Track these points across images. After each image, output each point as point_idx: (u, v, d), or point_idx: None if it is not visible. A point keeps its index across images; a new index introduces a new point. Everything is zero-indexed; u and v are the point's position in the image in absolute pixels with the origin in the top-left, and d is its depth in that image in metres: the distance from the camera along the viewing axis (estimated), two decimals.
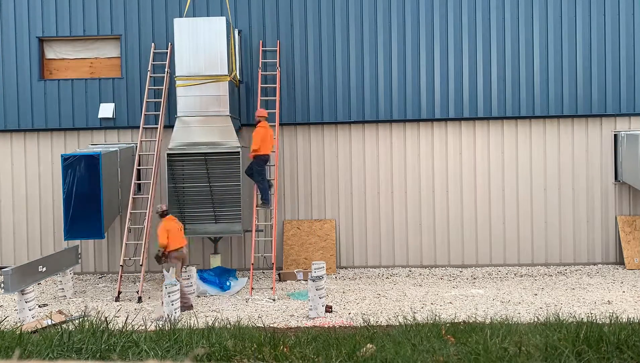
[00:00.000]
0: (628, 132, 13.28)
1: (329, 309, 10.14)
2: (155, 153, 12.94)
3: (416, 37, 13.75)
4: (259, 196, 12.42)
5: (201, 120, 12.51)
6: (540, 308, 10.12)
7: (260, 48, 13.69)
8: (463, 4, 13.71)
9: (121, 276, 12.04)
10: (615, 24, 13.63)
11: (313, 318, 9.80)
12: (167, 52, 13.61)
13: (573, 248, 13.69)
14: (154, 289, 12.36)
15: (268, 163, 12.48)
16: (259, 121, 12.33)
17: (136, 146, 13.31)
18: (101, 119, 13.90)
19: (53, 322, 8.84)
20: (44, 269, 10.70)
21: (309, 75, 13.84)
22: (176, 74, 12.52)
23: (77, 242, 12.82)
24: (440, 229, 13.78)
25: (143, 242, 12.26)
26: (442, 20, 13.72)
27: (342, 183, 13.85)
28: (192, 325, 7.12)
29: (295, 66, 13.85)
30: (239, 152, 12.38)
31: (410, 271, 13.50)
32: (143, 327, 6.50)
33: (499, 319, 8.08)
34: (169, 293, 9.84)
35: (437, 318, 8.17)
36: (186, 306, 10.44)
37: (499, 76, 13.68)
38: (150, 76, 13.53)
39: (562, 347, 4.47)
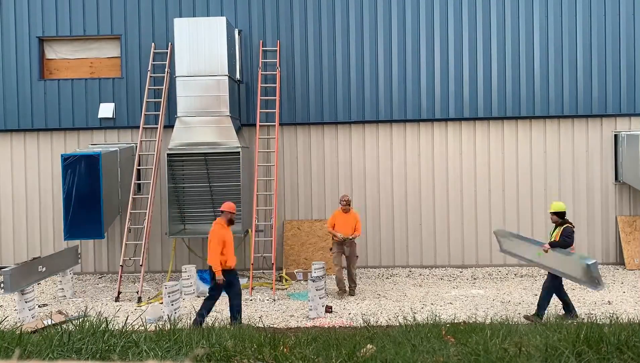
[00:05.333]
0: (628, 133, 13.27)
1: (329, 309, 10.14)
2: (155, 153, 12.94)
3: (416, 37, 13.75)
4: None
5: (201, 120, 12.50)
6: None
7: (260, 48, 13.69)
8: (463, 4, 13.71)
9: (121, 276, 12.04)
10: (615, 24, 13.63)
11: (313, 319, 9.80)
12: (167, 52, 13.61)
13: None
14: (154, 289, 12.35)
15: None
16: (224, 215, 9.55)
17: (136, 146, 13.31)
18: (101, 119, 13.89)
19: (53, 322, 8.84)
20: (44, 269, 10.70)
21: (309, 75, 13.84)
22: (176, 74, 12.52)
23: (77, 242, 12.81)
24: (441, 229, 13.78)
25: (143, 242, 12.26)
26: (443, 20, 13.72)
27: (342, 183, 13.85)
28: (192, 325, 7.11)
29: (295, 66, 13.85)
30: (239, 152, 12.37)
31: (410, 271, 13.50)
32: (143, 327, 6.50)
33: (499, 319, 8.08)
34: (168, 293, 9.84)
35: (437, 318, 8.17)
36: None
37: (499, 76, 13.67)
38: (150, 76, 13.53)
39: (562, 348, 4.47)
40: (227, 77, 12.45)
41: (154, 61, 13.64)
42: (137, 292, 11.56)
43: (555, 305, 10.29)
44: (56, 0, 13.94)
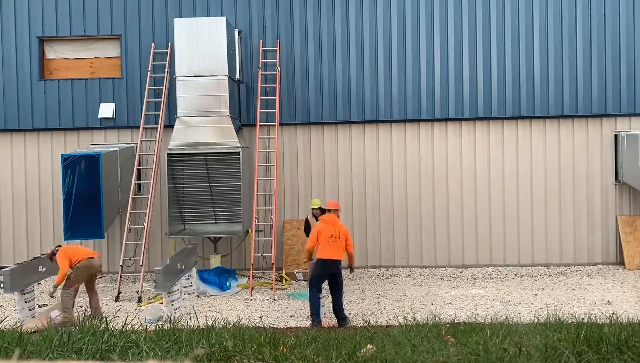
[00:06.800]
0: (628, 133, 13.27)
1: None
2: (155, 153, 12.94)
3: (416, 37, 13.75)
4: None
5: (201, 120, 12.51)
6: (541, 308, 10.12)
7: (260, 48, 13.69)
8: (463, 4, 13.70)
9: (121, 276, 12.04)
10: (615, 24, 13.63)
11: None
12: (167, 52, 13.61)
13: (573, 248, 13.68)
14: (154, 289, 12.33)
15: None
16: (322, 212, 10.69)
17: (136, 146, 13.31)
18: (101, 119, 13.89)
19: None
20: (44, 269, 10.69)
21: (309, 75, 13.84)
22: (176, 74, 12.52)
23: (77, 242, 12.80)
24: (441, 229, 13.77)
25: (143, 242, 12.26)
26: (443, 20, 13.72)
27: (342, 183, 13.85)
28: (192, 325, 7.12)
29: (295, 66, 13.85)
30: (239, 152, 12.38)
31: (410, 271, 13.50)
32: (143, 327, 6.50)
33: (499, 319, 8.08)
34: (169, 293, 9.84)
35: (437, 318, 8.18)
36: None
37: (499, 76, 13.67)
38: (150, 76, 13.53)
39: (562, 348, 4.47)
40: (227, 77, 12.45)
41: (154, 61, 13.64)
42: (137, 292, 11.56)
43: (555, 305, 10.29)
44: (56, 0, 13.94)
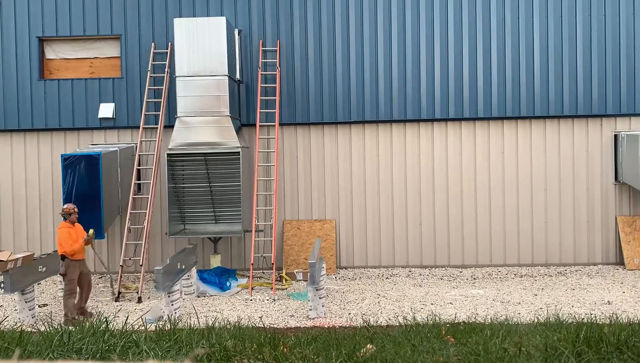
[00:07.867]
0: (628, 133, 13.27)
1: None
2: (155, 153, 12.95)
3: (416, 37, 13.75)
4: None
5: (201, 120, 12.51)
6: (540, 308, 10.13)
7: (260, 48, 13.69)
8: (463, 4, 13.70)
9: (121, 276, 12.04)
10: (615, 24, 13.63)
11: (313, 319, 9.81)
12: (167, 52, 13.61)
13: (573, 248, 13.68)
14: (154, 289, 12.33)
15: None
16: None
17: (136, 146, 13.31)
18: (101, 119, 13.89)
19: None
20: (44, 269, 10.69)
21: (309, 75, 13.84)
22: (176, 74, 12.52)
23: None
24: (440, 229, 13.77)
25: (143, 242, 12.26)
26: (443, 20, 13.72)
27: (342, 183, 13.85)
28: (192, 325, 7.12)
29: (295, 66, 13.85)
30: (239, 152, 12.38)
31: (410, 271, 13.50)
32: (143, 327, 6.50)
33: (499, 319, 8.09)
34: (168, 293, 9.84)
35: (437, 318, 8.18)
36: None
37: (499, 76, 13.67)
38: (150, 76, 13.53)
39: (562, 348, 4.47)
40: (227, 77, 12.45)
41: (154, 61, 13.63)
42: (137, 292, 11.56)
43: (555, 305, 10.29)
44: (56, 0, 13.94)
